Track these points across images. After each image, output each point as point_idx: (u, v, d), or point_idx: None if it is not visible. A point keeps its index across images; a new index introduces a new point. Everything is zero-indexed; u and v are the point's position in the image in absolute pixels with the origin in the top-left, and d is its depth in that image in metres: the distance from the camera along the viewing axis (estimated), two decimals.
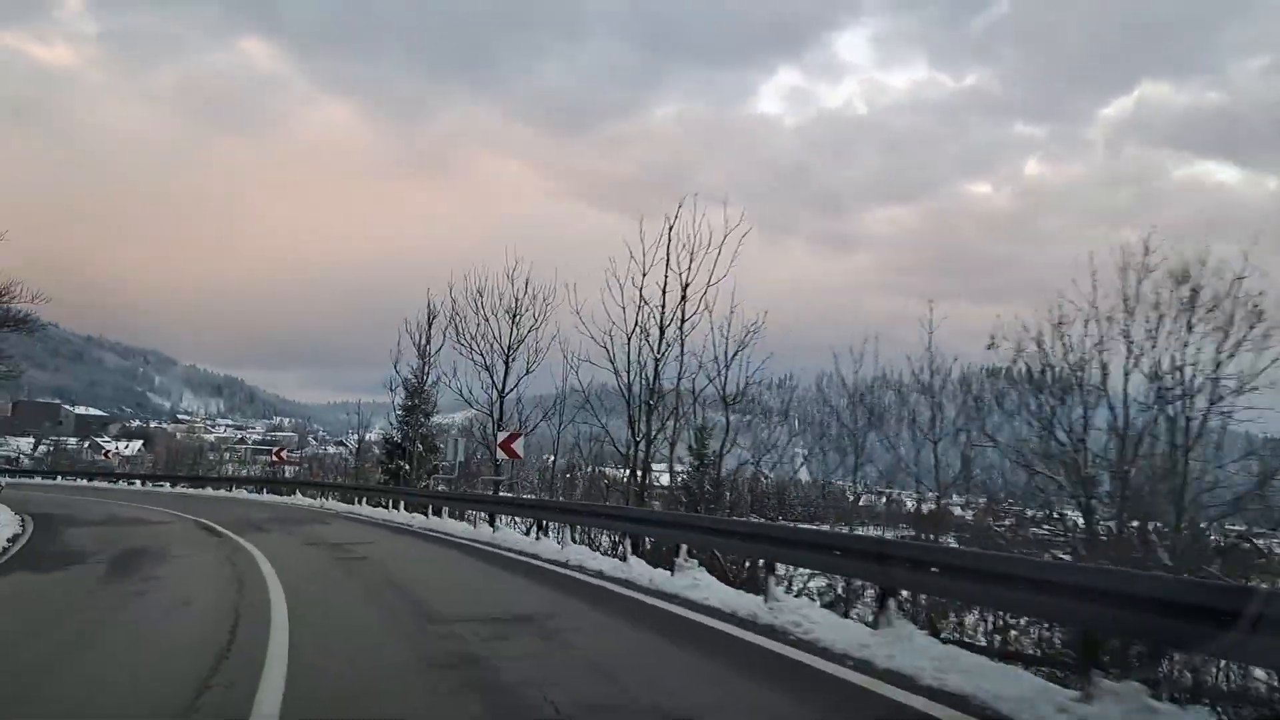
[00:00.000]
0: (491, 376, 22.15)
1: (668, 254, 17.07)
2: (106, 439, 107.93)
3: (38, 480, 45.56)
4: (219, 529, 17.09)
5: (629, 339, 17.45)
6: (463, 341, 22.48)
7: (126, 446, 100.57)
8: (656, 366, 16.80)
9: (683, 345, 16.76)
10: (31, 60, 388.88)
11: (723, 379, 16.63)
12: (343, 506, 25.06)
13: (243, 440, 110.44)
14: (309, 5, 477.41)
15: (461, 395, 22.61)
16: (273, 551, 12.78)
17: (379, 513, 22.18)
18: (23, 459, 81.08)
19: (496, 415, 22.18)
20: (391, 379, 27.89)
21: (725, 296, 16.77)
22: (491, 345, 22.05)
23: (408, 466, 28.44)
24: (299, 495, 29.10)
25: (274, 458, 38.69)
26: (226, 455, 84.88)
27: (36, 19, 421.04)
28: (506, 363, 21.99)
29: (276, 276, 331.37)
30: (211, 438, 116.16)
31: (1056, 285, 10.68)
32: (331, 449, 73.97)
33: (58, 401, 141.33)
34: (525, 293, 21.68)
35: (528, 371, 22.01)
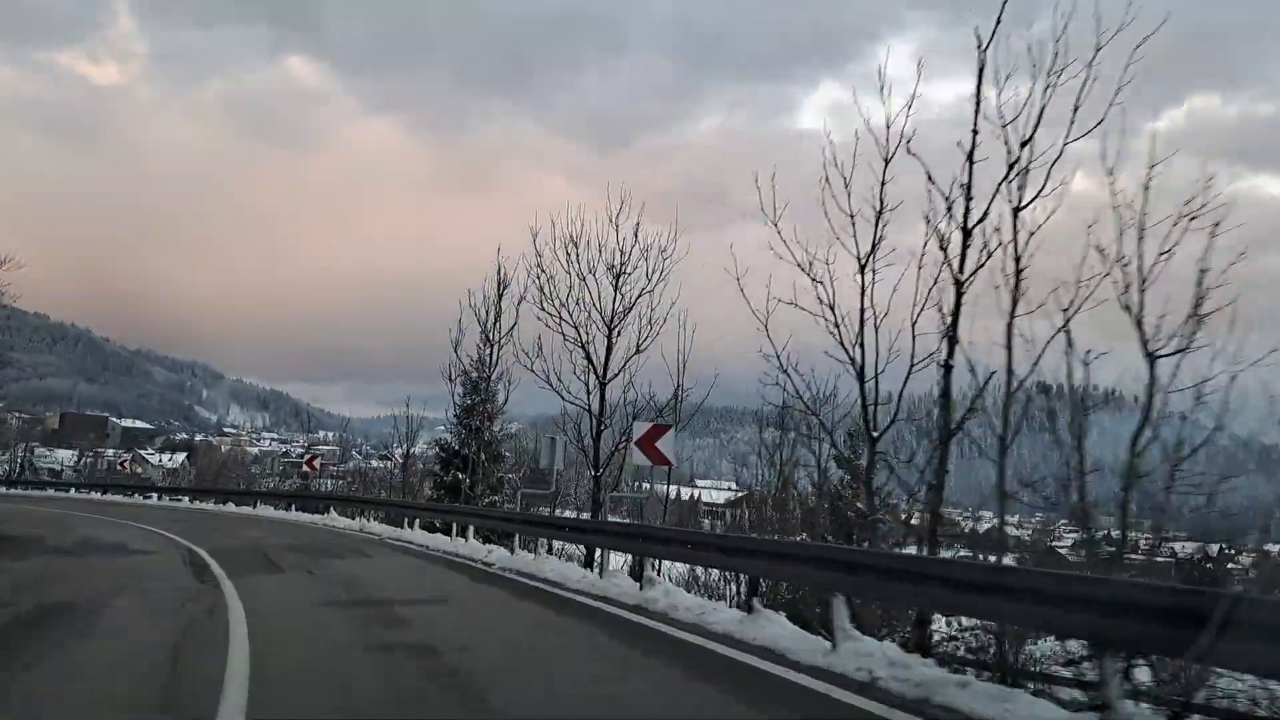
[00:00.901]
0: (589, 357, 16.33)
1: (977, 96, 8.73)
2: (151, 451, 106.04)
3: (49, 492, 41.43)
4: (211, 565, 11.93)
5: (863, 261, 9.68)
6: (547, 309, 16.73)
7: (170, 459, 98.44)
8: (958, 297, 8.46)
9: (1018, 255, 8.10)
10: (82, 78, 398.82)
11: (1137, 307, 7.53)
12: (387, 530, 19.39)
13: (287, 454, 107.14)
14: (353, 25, 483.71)
15: (548, 382, 16.75)
16: (269, 620, 7.45)
17: (436, 540, 16.39)
18: (66, 471, 78.78)
19: (596, 408, 16.32)
20: (451, 365, 22.19)
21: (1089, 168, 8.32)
22: (589, 314, 16.33)
23: (468, 480, 22.86)
24: (334, 513, 23.61)
25: (305, 467, 33.18)
26: (271, 467, 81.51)
27: (89, 38, 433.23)
28: (609, 338, 16.21)
29: (321, 291, 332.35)
30: (256, 451, 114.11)
31: None
32: (376, 463, 69.45)
33: (105, 415, 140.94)
34: (634, 244, 16.10)
35: (638, 350, 16.25)
